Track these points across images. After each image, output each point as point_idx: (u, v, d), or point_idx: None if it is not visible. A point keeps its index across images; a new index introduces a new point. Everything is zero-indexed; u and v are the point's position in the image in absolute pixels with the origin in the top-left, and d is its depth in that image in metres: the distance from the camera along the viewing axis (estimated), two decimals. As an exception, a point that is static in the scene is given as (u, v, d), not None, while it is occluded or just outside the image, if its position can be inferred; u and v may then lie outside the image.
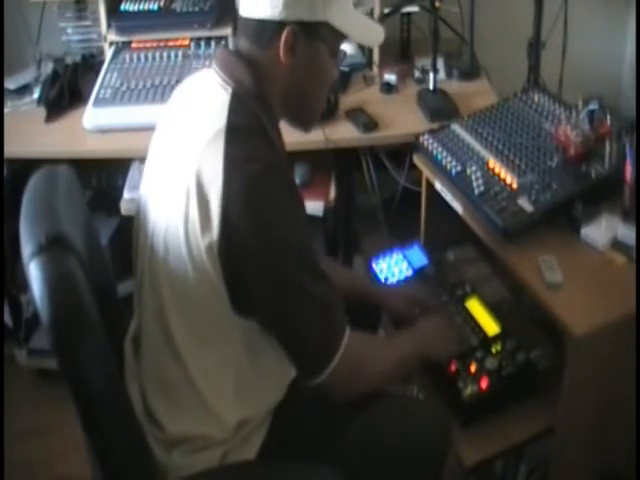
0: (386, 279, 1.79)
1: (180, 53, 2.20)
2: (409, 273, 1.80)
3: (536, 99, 1.81)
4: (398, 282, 1.78)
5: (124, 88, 2.09)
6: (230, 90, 1.21)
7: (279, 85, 1.24)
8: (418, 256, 1.84)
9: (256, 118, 1.20)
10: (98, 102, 2.05)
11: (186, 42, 2.23)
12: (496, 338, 1.58)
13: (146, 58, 2.19)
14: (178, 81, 2.07)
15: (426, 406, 1.49)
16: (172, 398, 1.25)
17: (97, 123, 2.02)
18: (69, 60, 2.31)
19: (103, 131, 2.02)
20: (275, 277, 1.14)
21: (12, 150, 2.00)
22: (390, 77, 2.21)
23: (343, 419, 1.35)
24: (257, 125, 1.20)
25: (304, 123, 1.35)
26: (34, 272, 1.07)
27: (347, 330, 1.21)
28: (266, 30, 1.21)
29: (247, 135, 1.17)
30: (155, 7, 2.25)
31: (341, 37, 1.26)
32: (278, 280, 1.15)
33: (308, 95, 1.29)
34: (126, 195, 1.99)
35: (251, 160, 1.12)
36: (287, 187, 1.17)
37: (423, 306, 1.63)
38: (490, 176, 1.62)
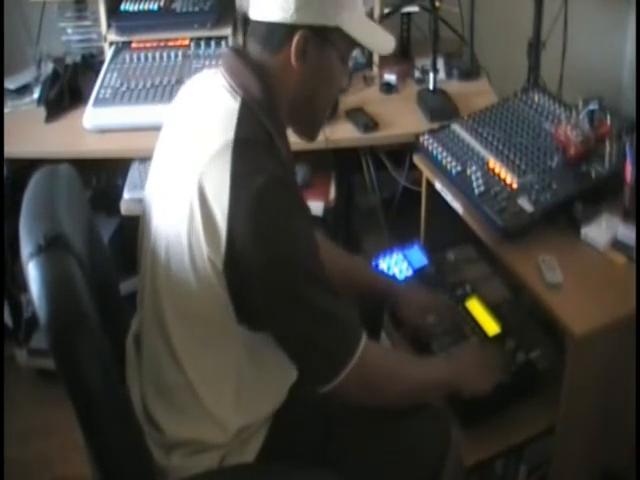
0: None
1: (180, 53, 2.20)
2: (409, 273, 1.80)
3: (536, 99, 1.81)
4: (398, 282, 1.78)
5: (124, 88, 2.09)
6: (239, 99, 1.19)
7: (288, 91, 1.23)
8: (418, 256, 1.84)
9: (264, 129, 1.19)
10: (98, 102, 2.05)
11: (186, 42, 2.23)
12: (496, 338, 1.58)
13: (146, 58, 2.19)
14: (178, 81, 2.08)
15: (425, 407, 1.48)
16: (171, 402, 1.24)
17: (97, 123, 2.02)
18: (69, 60, 2.30)
19: (103, 131, 2.02)
20: (282, 293, 1.13)
21: (12, 150, 2.00)
22: (390, 77, 2.21)
23: (342, 421, 1.34)
24: (265, 137, 1.19)
25: (310, 131, 1.33)
26: (32, 272, 1.07)
27: (362, 341, 1.19)
28: (277, 34, 1.19)
29: (254, 148, 1.15)
30: (155, 7, 2.25)
31: (352, 44, 1.24)
32: (285, 296, 1.14)
33: (315, 101, 1.27)
34: (126, 195, 1.99)
35: (258, 175, 1.10)
36: (293, 201, 1.16)
37: (437, 316, 1.61)
38: (490, 176, 1.62)
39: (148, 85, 2.10)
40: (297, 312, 1.15)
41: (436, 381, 1.34)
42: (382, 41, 1.32)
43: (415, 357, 1.38)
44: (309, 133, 1.33)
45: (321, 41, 1.20)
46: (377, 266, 1.83)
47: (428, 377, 1.32)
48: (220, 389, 1.23)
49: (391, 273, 1.80)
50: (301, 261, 1.14)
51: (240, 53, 1.24)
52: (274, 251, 1.11)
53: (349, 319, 1.20)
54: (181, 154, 1.21)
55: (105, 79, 2.13)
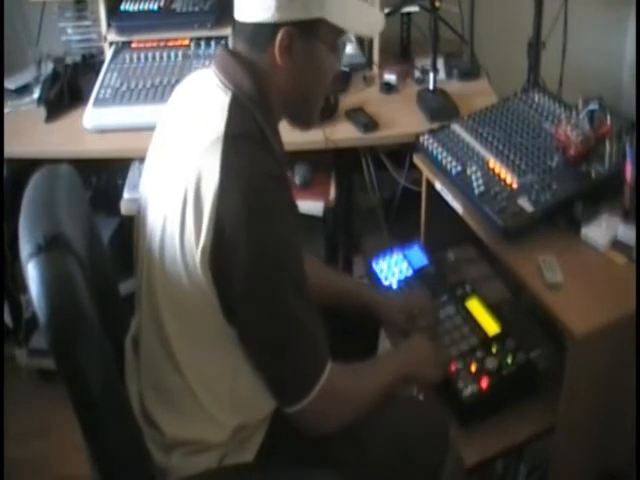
0: (386, 279, 1.79)
1: (180, 53, 2.20)
2: (409, 273, 1.80)
3: (536, 99, 1.81)
4: (398, 282, 1.78)
5: (124, 88, 2.09)
6: (230, 94, 1.19)
7: (279, 87, 1.23)
8: (418, 256, 1.84)
9: (256, 123, 1.19)
10: (98, 102, 2.06)
11: (186, 42, 2.23)
12: (496, 338, 1.58)
13: (146, 58, 2.19)
14: (178, 81, 2.05)
15: (423, 407, 1.49)
16: (170, 402, 1.24)
17: (97, 123, 2.02)
18: (69, 60, 2.31)
19: (103, 131, 2.02)
20: (264, 292, 1.13)
21: (12, 150, 2.00)
22: (390, 77, 2.21)
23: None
24: (256, 131, 1.18)
25: (305, 121, 1.33)
26: (32, 272, 1.07)
27: (329, 364, 1.19)
28: (261, 33, 1.19)
29: (246, 142, 1.15)
30: (155, 7, 2.25)
31: (339, 31, 1.23)
32: (266, 296, 1.13)
33: (309, 93, 1.27)
34: (126, 195, 1.99)
35: (248, 169, 1.11)
36: (283, 198, 1.15)
37: (420, 315, 1.62)
38: (490, 176, 1.62)
39: (148, 85, 2.10)
40: (274, 313, 1.14)
41: (391, 384, 1.34)
42: (370, 23, 1.31)
43: (363, 365, 1.36)
44: (305, 124, 1.33)
45: (306, 35, 1.19)
46: (376, 266, 1.84)
47: (383, 384, 1.32)
48: (218, 389, 1.23)
49: (390, 273, 1.80)
50: (286, 262, 1.14)
51: (231, 52, 1.25)
52: (260, 247, 1.11)
53: (321, 340, 1.19)
54: (174, 152, 1.22)
55: (105, 79, 2.13)
